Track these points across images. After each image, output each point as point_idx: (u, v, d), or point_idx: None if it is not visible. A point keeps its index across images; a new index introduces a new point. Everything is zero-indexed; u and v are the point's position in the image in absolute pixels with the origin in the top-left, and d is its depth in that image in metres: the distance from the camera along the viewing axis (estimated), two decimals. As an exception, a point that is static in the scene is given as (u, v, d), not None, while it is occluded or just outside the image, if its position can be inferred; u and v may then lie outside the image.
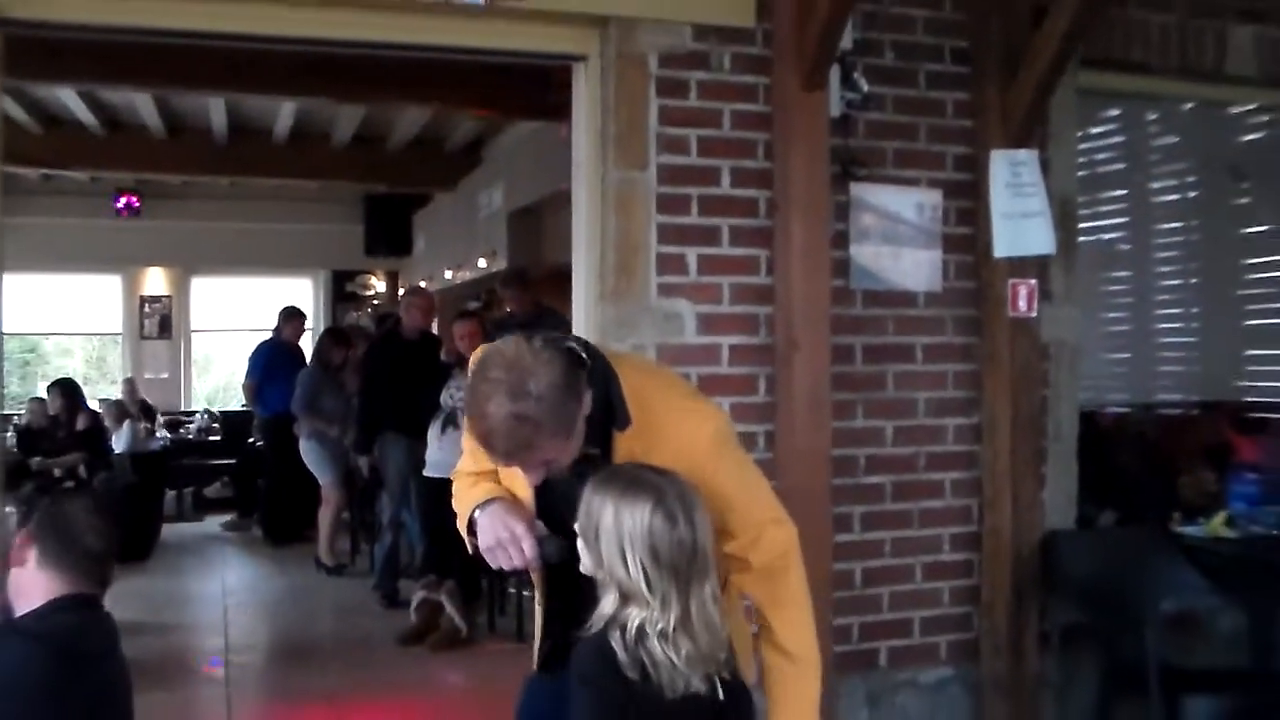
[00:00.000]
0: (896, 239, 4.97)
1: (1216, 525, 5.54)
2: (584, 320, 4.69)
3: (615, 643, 2.38)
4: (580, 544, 2.49)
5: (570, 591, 2.68)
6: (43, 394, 12.53)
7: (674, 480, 2.48)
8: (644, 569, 2.38)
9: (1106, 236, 5.90)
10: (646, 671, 2.36)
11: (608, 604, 2.42)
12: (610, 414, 2.60)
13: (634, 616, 2.39)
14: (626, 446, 2.61)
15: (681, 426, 2.65)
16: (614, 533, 2.40)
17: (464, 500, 2.86)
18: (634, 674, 2.36)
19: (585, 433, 2.55)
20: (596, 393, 2.55)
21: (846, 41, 4.72)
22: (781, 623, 2.73)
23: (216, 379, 17.26)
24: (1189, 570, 5.16)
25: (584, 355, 2.54)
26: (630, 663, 2.36)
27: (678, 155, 4.68)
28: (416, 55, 5.25)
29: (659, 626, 2.37)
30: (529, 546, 2.65)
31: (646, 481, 2.45)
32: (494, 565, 2.72)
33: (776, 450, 4.73)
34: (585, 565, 2.49)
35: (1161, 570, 5.13)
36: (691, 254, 4.70)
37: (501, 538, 2.66)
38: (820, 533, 4.64)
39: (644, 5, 4.63)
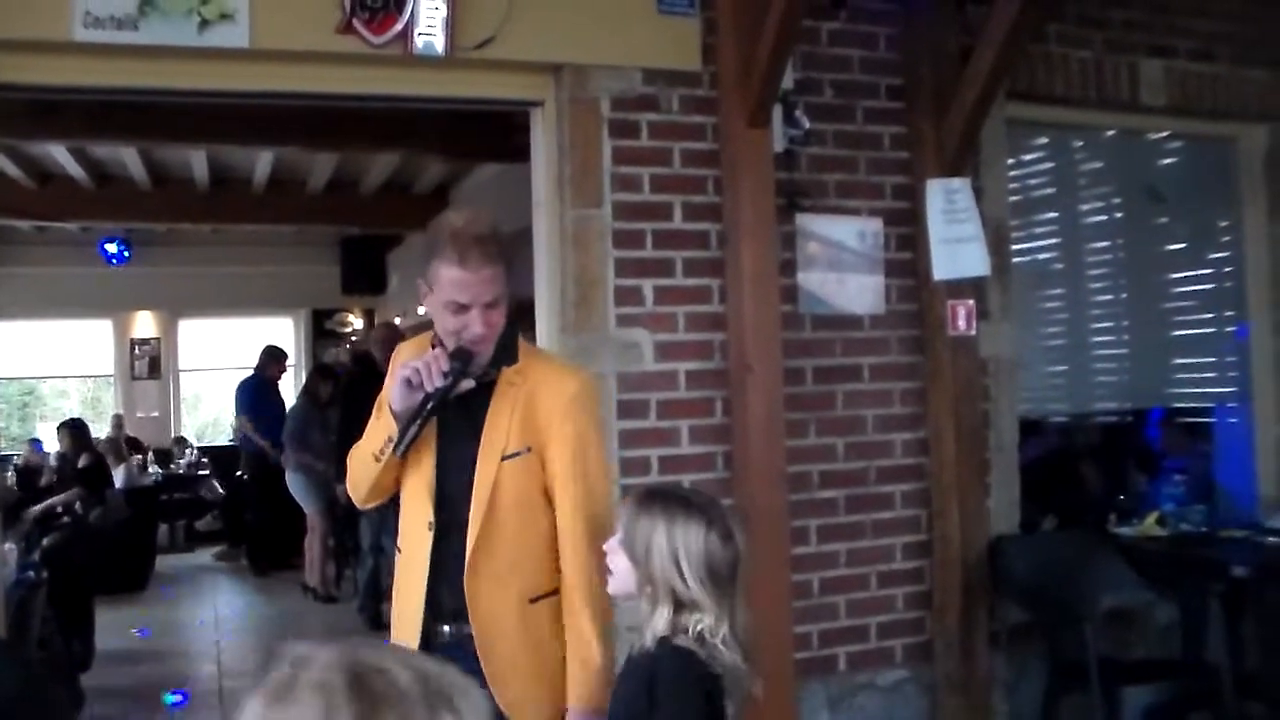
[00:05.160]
0: (841, 265, 4.97)
1: (1149, 525, 5.60)
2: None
3: (690, 646, 2.43)
4: (616, 561, 2.56)
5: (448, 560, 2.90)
6: (44, 435, 12.49)
7: (715, 500, 2.64)
8: (702, 583, 2.44)
9: (1040, 256, 5.91)
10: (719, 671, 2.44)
11: (661, 618, 2.47)
12: (506, 351, 2.93)
13: (694, 623, 2.43)
14: (508, 378, 2.92)
15: (556, 377, 2.99)
16: (668, 552, 2.46)
17: (370, 436, 3.03)
18: (719, 670, 2.43)
19: (494, 358, 2.90)
20: (508, 330, 2.92)
21: (787, 81, 4.73)
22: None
23: (205, 415, 17.16)
24: (1125, 568, 5.20)
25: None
26: (711, 661, 2.43)
27: (631, 193, 4.68)
28: (384, 105, 5.21)
29: (721, 632, 2.43)
30: (443, 360, 2.84)
31: (694, 503, 2.55)
32: (409, 398, 2.85)
33: (734, 469, 4.73)
34: (627, 583, 2.54)
35: (1100, 569, 5.16)
36: (648, 285, 4.69)
37: (422, 363, 2.83)
38: (779, 546, 4.66)
39: (595, 52, 4.64)
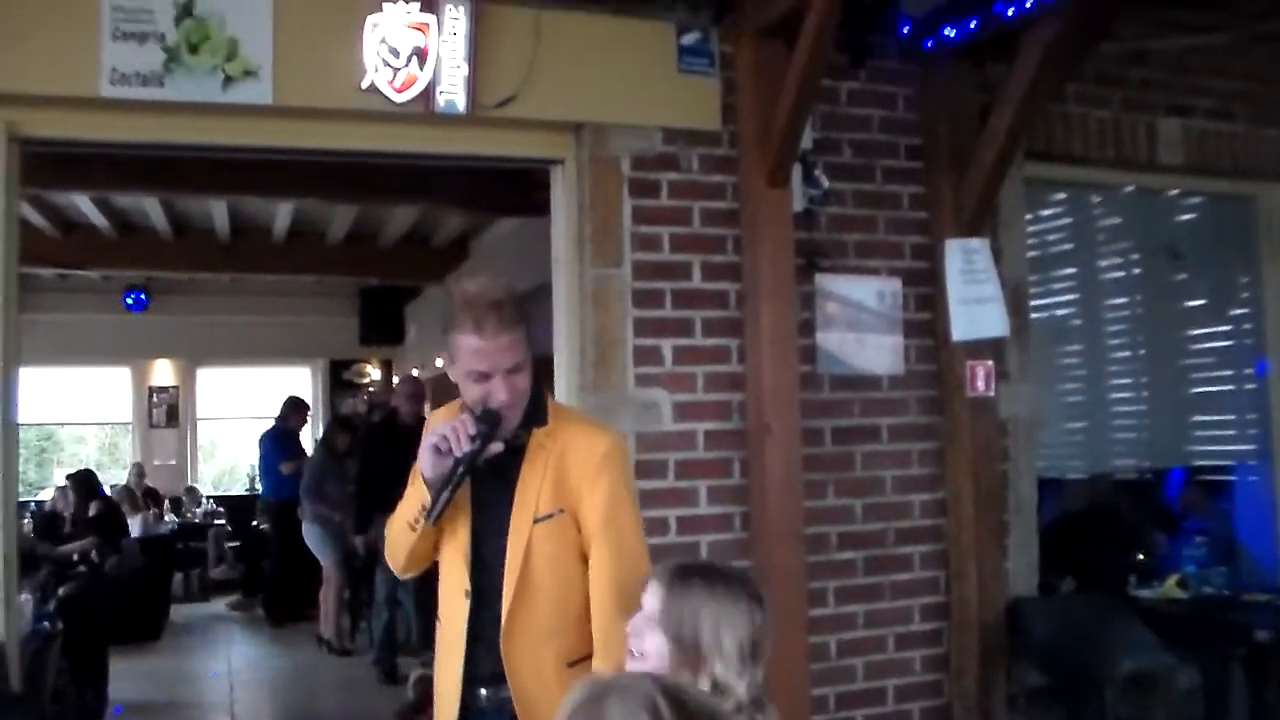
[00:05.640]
0: (860, 326, 4.96)
1: (1170, 587, 5.53)
2: (566, 410, 4.66)
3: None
4: (646, 642, 2.48)
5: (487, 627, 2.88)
6: (59, 483, 12.48)
7: (745, 572, 2.65)
8: (743, 660, 2.39)
9: (1058, 313, 5.89)
10: None
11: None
12: (536, 412, 2.91)
13: (733, 696, 2.37)
14: (539, 441, 2.90)
15: (585, 437, 2.93)
16: (712, 630, 2.40)
17: (406, 504, 3.00)
18: None
19: (523, 420, 2.88)
20: (535, 392, 2.91)
21: (807, 141, 4.75)
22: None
23: (221, 464, 17.17)
24: (1145, 631, 5.13)
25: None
26: None
27: (651, 252, 4.69)
28: (405, 161, 5.24)
29: (754, 699, 2.39)
30: (470, 424, 2.80)
31: (732, 578, 2.51)
32: (440, 466, 2.81)
33: (752, 530, 4.70)
34: (659, 664, 2.45)
35: (1120, 632, 5.10)
36: (666, 345, 4.69)
37: (449, 429, 2.80)
38: (796, 608, 4.62)
39: (616, 112, 4.66)
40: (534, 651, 2.86)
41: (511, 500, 2.89)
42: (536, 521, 2.86)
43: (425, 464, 2.84)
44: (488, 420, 2.81)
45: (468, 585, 2.91)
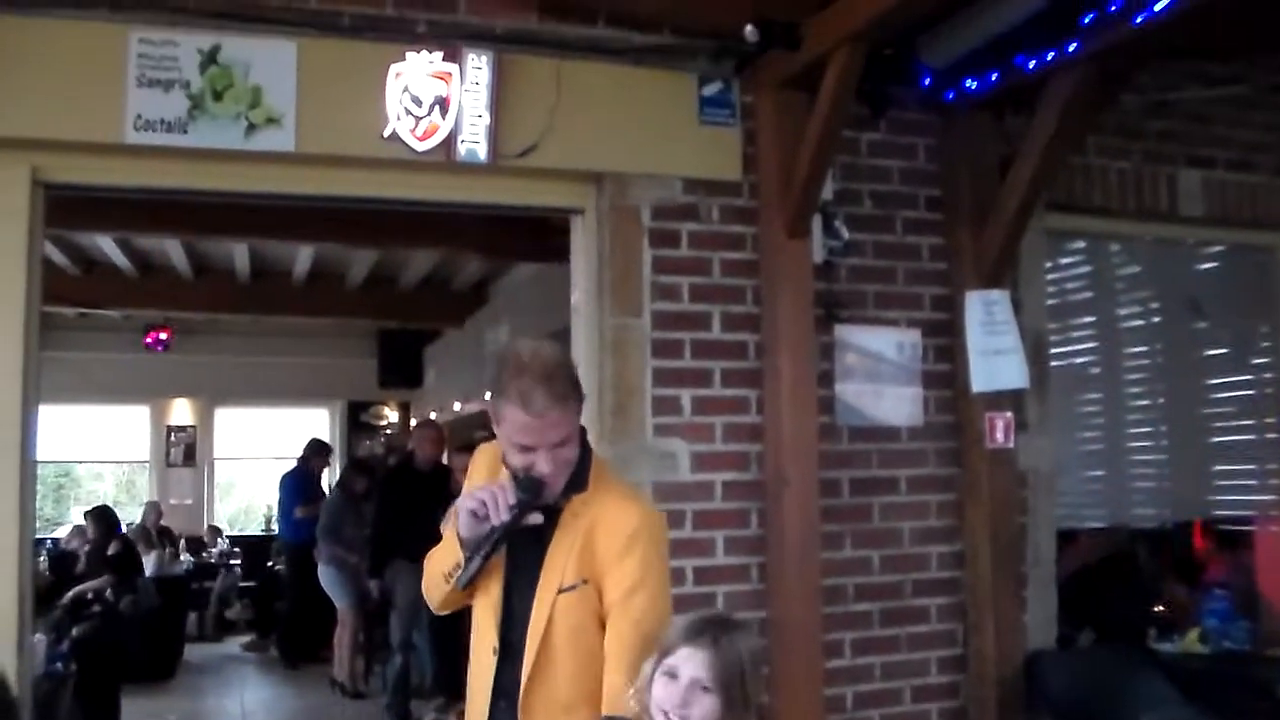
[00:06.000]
0: (879, 377, 4.95)
1: (1191, 641, 5.47)
2: (584, 459, 4.64)
3: None
4: (698, 708, 2.51)
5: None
6: (75, 519, 12.49)
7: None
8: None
9: (1077, 361, 5.86)
10: None
11: None
12: (577, 477, 2.85)
13: None
14: (574, 508, 2.85)
15: (616, 511, 2.84)
16: (757, 669, 2.55)
17: (442, 550, 2.98)
18: None
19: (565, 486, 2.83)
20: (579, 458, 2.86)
21: (827, 192, 4.77)
22: None
23: (237, 503, 17.18)
24: (1166, 686, 5.07)
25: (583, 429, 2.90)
26: None
27: (671, 302, 4.69)
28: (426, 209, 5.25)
29: None
30: (510, 493, 2.76)
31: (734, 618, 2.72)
32: (476, 529, 2.79)
33: (769, 581, 4.68)
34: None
35: (1139, 687, 5.04)
36: (685, 395, 4.68)
37: (488, 494, 2.76)
38: (812, 659, 4.61)
39: (636, 161, 4.68)
40: (553, 717, 2.83)
41: (542, 563, 2.85)
42: (561, 591, 2.81)
43: (462, 525, 2.81)
44: (529, 489, 2.76)
45: (495, 643, 2.89)
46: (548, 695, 2.82)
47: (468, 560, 2.80)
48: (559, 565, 2.83)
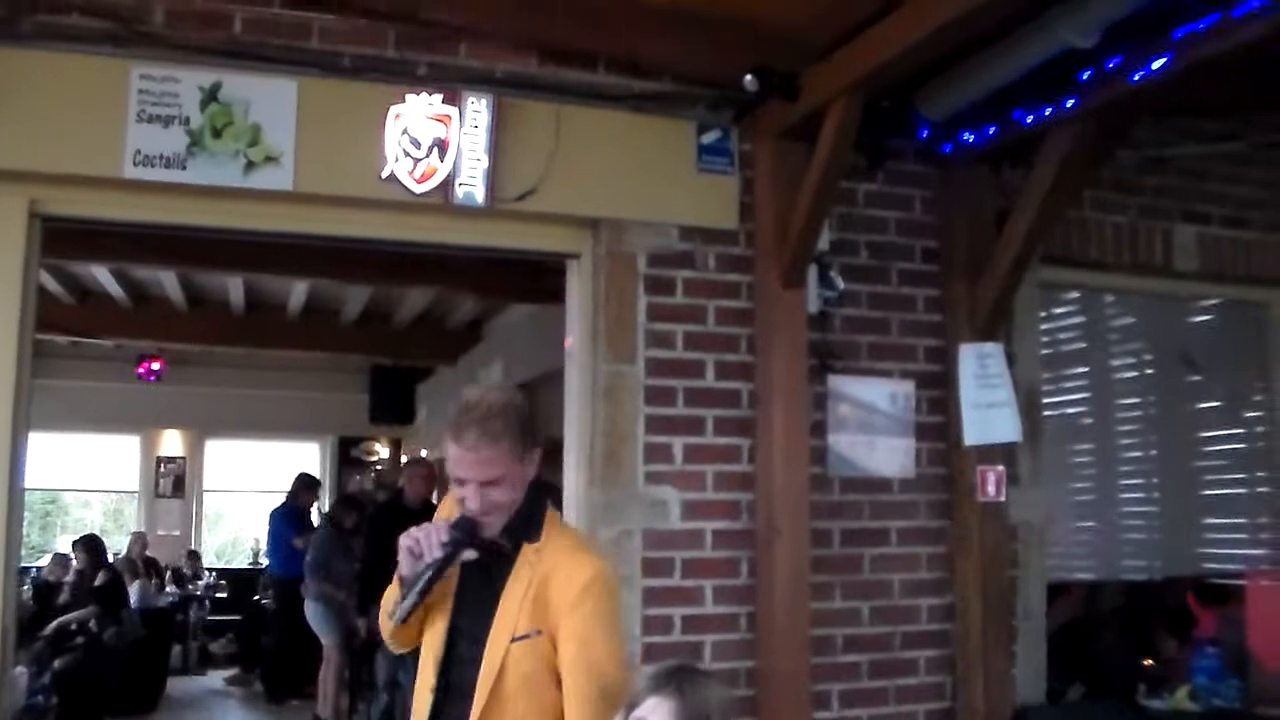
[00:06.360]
0: (872, 428, 4.94)
1: (1181, 699, 5.44)
2: (574, 505, 4.64)
3: None
4: None
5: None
6: (60, 547, 12.40)
7: None
8: None
9: (1069, 411, 5.85)
10: None
11: None
12: (528, 526, 2.92)
13: None
14: (527, 558, 2.89)
15: (569, 563, 2.88)
16: (726, 715, 2.56)
17: (392, 587, 2.99)
18: None
19: (509, 529, 2.90)
20: (527, 504, 2.93)
21: (823, 242, 4.76)
22: None
23: (225, 535, 17.10)
24: (1156, 745, 5.04)
25: (540, 479, 2.99)
26: None
27: (665, 349, 4.68)
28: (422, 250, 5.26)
29: None
30: (444, 531, 2.82)
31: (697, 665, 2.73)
32: (414, 566, 2.83)
33: (758, 631, 4.65)
34: None
35: (1128, 743, 5.01)
36: (678, 443, 4.67)
37: (424, 533, 2.82)
38: (800, 711, 4.59)
39: (633, 208, 4.68)
40: None
41: (494, 611, 2.89)
42: (514, 640, 2.85)
43: (401, 562, 2.86)
44: (461, 528, 2.84)
45: (433, 682, 2.93)
46: None
47: (403, 596, 2.84)
48: (511, 614, 2.86)
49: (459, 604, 2.96)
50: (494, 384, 3.13)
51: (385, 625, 3.08)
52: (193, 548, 14.82)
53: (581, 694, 2.81)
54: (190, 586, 13.74)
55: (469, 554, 2.86)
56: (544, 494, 3.01)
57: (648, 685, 2.56)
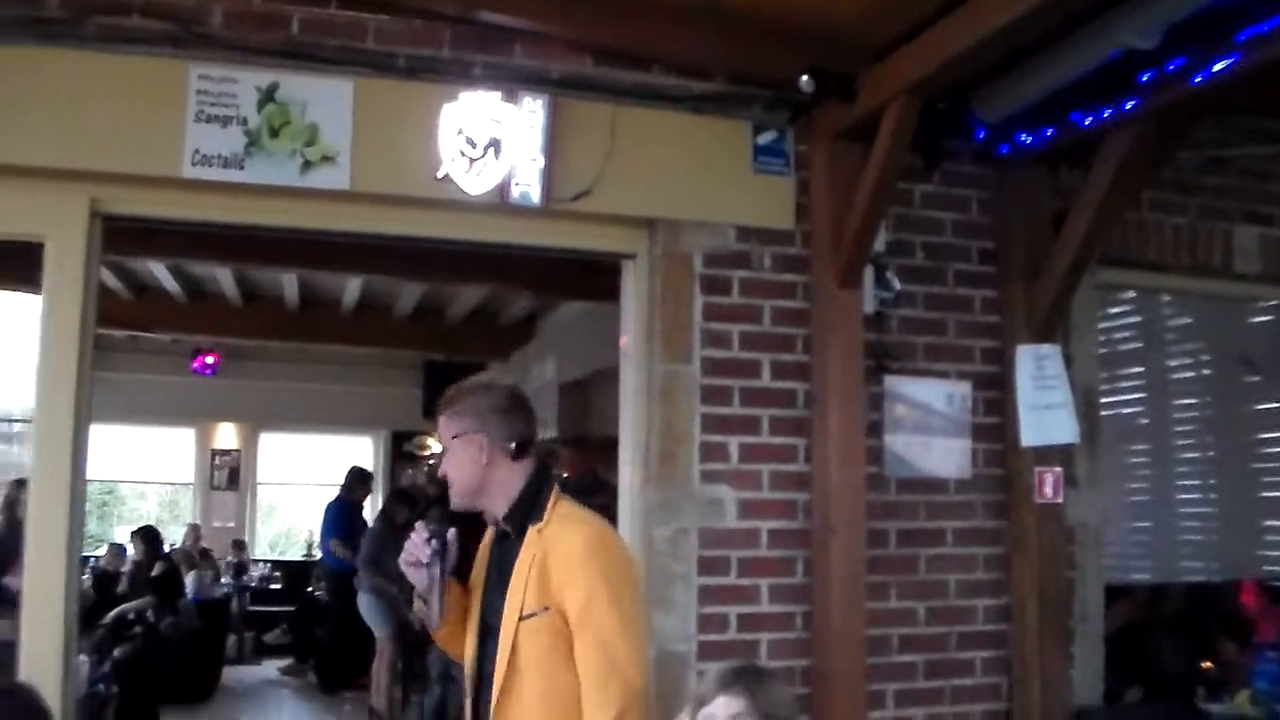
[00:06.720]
0: (928, 428, 4.91)
1: (1241, 703, 5.38)
2: (629, 504, 4.65)
3: None
4: None
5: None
6: (118, 537, 12.53)
7: None
8: None
9: (1125, 412, 5.79)
10: None
11: None
12: (530, 510, 3.05)
13: None
14: (531, 538, 3.02)
15: (564, 534, 3.01)
16: (794, 712, 2.67)
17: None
18: None
19: (512, 513, 3.07)
20: (528, 489, 3.08)
21: (879, 243, 4.74)
22: None
23: (278, 527, 17.23)
24: (1214, 748, 4.98)
25: (545, 465, 3.22)
26: None
27: (721, 349, 4.67)
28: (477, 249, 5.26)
29: None
30: (422, 529, 3.03)
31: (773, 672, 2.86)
32: (419, 575, 3.04)
33: (814, 630, 4.64)
34: None
35: (1188, 748, 4.96)
36: (733, 443, 4.66)
37: (410, 542, 3.04)
38: (855, 710, 4.57)
39: (689, 208, 4.67)
40: None
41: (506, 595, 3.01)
42: (522, 619, 2.95)
43: (414, 581, 3.06)
44: (433, 518, 3.10)
45: (472, 670, 3.10)
46: (514, 715, 2.94)
47: (427, 605, 3.03)
48: (519, 593, 2.97)
49: (485, 601, 3.10)
50: (501, 379, 3.47)
51: (437, 639, 3.26)
52: (238, 537, 14.89)
53: (591, 666, 2.90)
54: (245, 577, 13.86)
55: (451, 532, 3.05)
56: (546, 481, 3.15)
57: (716, 684, 2.61)
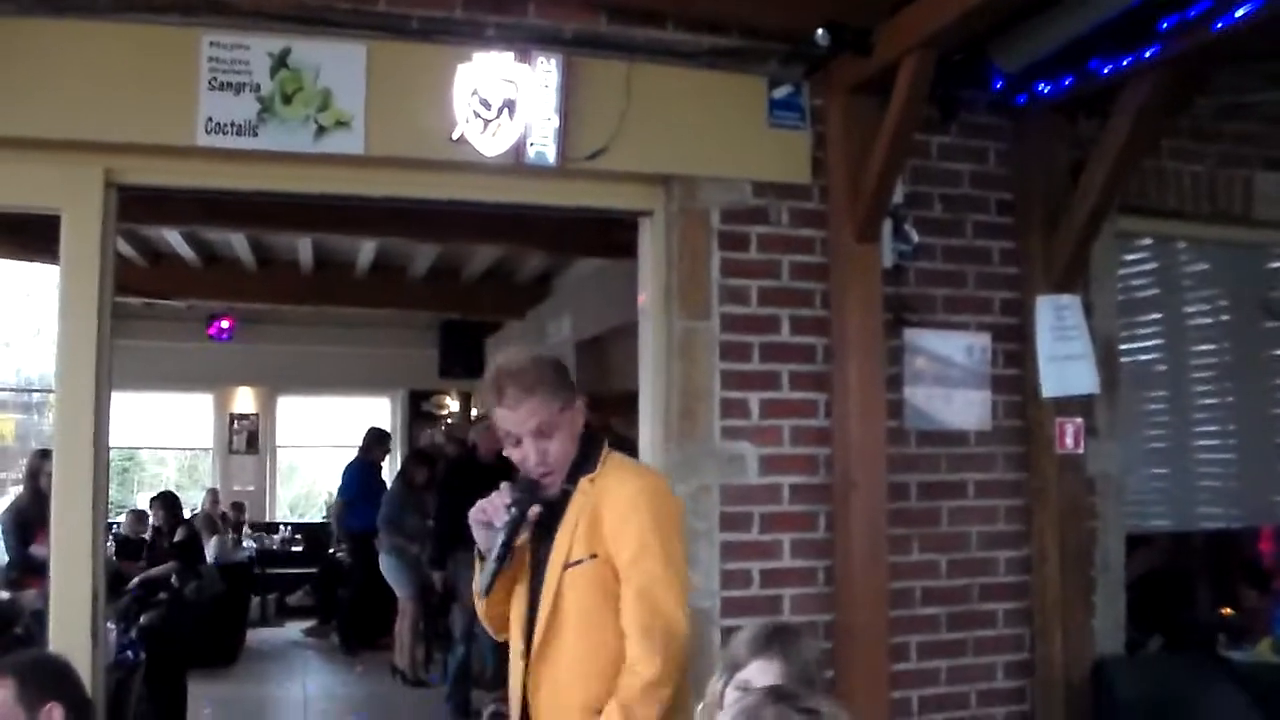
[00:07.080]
0: (948, 381, 4.90)
1: (1263, 650, 5.40)
2: (650, 461, 4.62)
3: None
4: None
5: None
6: (139, 503, 12.59)
7: None
8: None
9: (1143, 359, 5.76)
10: None
11: None
12: (584, 464, 3.03)
13: None
14: (582, 488, 3.00)
15: (618, 481, 3.01)
16: (820, 665, 2.70)
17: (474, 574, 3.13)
18: None
19: (571, 471, 3.02)
20: (586, 444, 3.06)
21: (897, 195, 4.71)
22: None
23: (298, 489, 17.30)
24: (1238, 695, 4.97)
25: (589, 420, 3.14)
26: None
27: (739, 305, 4.66)
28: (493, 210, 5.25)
29: None
30: (507, 494, 2.95)
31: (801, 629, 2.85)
32: (488, 536, 2.97)
33: (836, 584, 4.66)
34: None
35: (1211, 695, 4.95)
36: (753, 399, 4.65)
37: (489, 501, 2.97)
38: (878, 662, 4.59)
39: (705, 164, 4.65)
40: (557, 697, 2.94)
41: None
42: (567, 567, 2.94)
43: (477, 538, 3.00)
44: (524, 486, 2.96)
45: (521, 647, 3.05)
46: (554, 673, 2.94)
47: (484, 567, 2.96)
48: (565, 541, 2.96)
49: (534, 570, 3.04)
50: (518, 346, 3.34)
51: (479, 606, 3.19)
52: (236, 500, 14.82)
53: (633, 616, 2.89)
54: (268, 541, 13.92)
55: (534, 510, 2.95)
56: (598, 439, 3.13)
57: (749, 649, 2.60)
